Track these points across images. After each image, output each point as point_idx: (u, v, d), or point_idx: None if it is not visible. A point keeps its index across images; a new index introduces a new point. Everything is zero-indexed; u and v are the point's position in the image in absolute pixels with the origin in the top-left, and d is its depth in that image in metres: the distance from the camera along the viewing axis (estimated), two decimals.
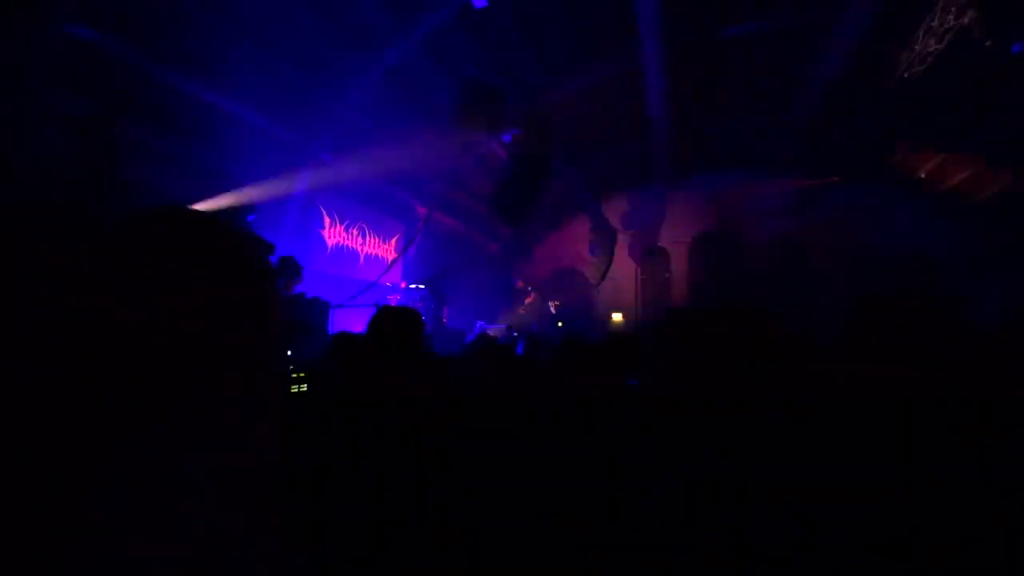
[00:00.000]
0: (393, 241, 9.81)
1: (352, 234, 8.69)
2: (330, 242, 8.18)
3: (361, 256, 8.92)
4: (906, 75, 6.89)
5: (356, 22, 6.26)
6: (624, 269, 12.05)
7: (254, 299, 0.50)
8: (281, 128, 6.68)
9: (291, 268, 5.24)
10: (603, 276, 11.50)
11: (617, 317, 11.18)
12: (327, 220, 8.12)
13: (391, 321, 1.47)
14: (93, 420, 0.40)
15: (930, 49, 6.46)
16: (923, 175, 8.98)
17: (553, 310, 10.67)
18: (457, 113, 6.74)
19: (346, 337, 1.46)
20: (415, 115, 7.88)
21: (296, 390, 3.45)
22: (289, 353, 4.55)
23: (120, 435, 0.41)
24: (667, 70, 7.20)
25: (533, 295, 10.76)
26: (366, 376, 1.25)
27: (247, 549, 0.44)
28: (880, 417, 0.96)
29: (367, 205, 8.98)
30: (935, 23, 6.20)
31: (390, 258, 9.44)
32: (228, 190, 5.81)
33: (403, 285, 9.56)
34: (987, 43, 6.03)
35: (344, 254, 8.51)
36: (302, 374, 3.72)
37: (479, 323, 9.40)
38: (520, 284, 11.27)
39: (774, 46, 7.34)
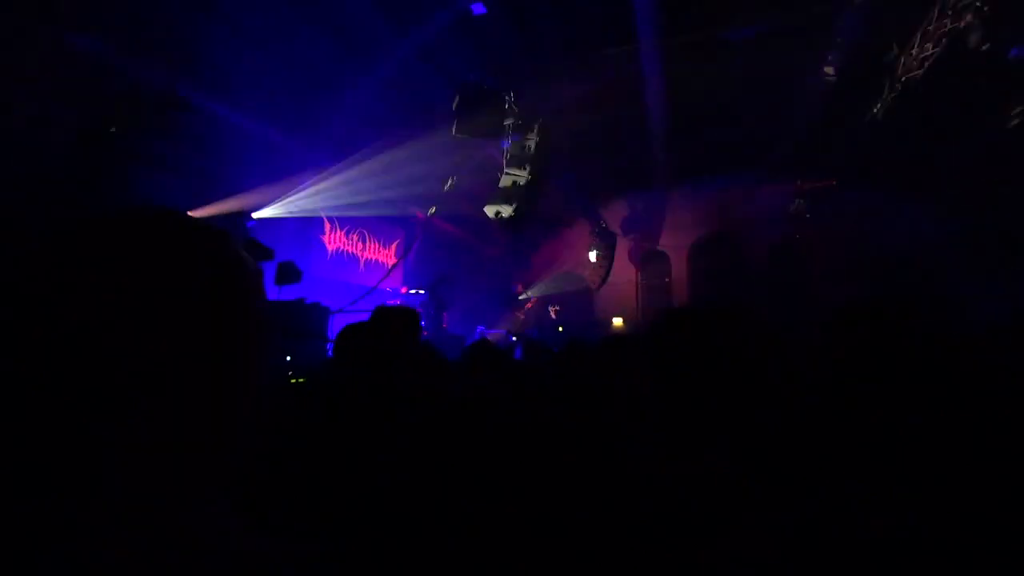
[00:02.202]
0: (393, 246, 9.82)
1: (352, 239, 8.71)
2: (330, 247, 8.19)
3: (361, 261, 8.93)
4: (903, 78, 6.91)
5: (355, 30, 6.29)
6: (624, 273, 12.04)
7: (234, 298, 0.49)
8: (281, 134, 6.71)
9: (291, 273, 5.25)
10: (603, 280, 11.49)
11: (618, 322, 11.17)
12: (327, 225, 8.14)
13: (388, 320, 1.48)
14: (76, 420, 0.40)
15: (927, 52, 6.49)
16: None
17: (553, 315, 10.67)
18: (456, 119, 6.76)
19: (352, 331, 1.46)
20: (414, 121, 7.91)
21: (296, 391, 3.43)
22: (289, 358, 4.55)
23: (103, 435, 0.41)
24: (665, 74, 7.23)
25: (533, 300, 10.73)
26: (363, 373, 1.25)
27: (232, 547, 0.43)
28: (872, 418, 0.96)
29: (367, 211, 9.00)
30: (932, 26, 6.22)
31: (390, 263, 9.45)
32: (228, 196, 5.83)
33: (403, 290, 9.57)
34: (984, 46, 6.06)
35: (344, 259, 8.52)
36: (302, 379, 3.71)
37: (479, 328, 9.40)
38: (520, 289, 11.26)
39: (772, 50, 7.37)
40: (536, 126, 7.45)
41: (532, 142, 7.40)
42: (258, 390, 0.51)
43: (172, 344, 0.44)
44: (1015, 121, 6.44)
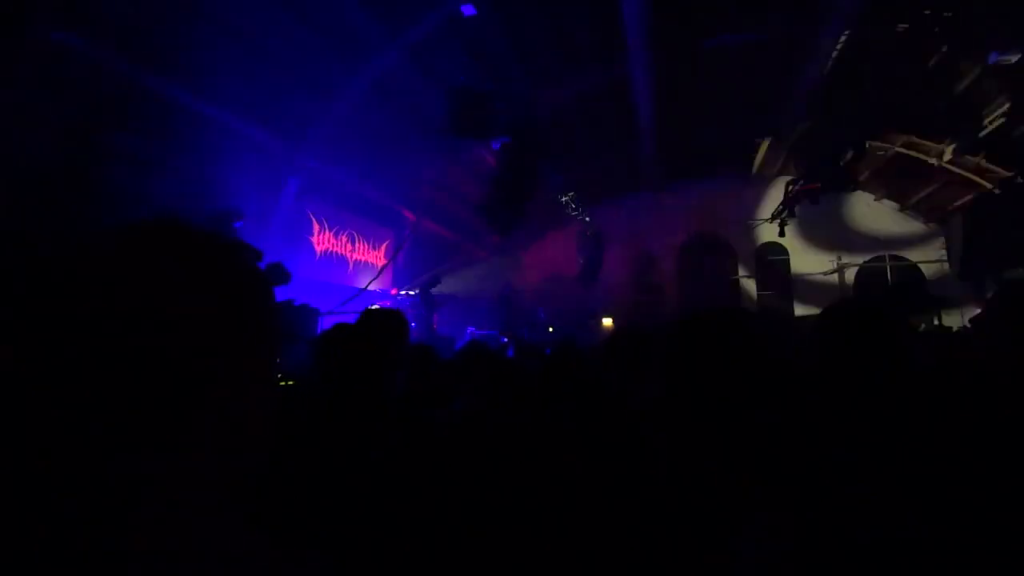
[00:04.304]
0: (383, 248, 9.76)
1: (341, 240, 8.64)
2: (319, 248, 8.12)
3: (350, 262, 8.87)
4: (885, 84, 7.04)
5: (345, 30, 6.25)
6: (613, 273, 12.11)
7: (248, 307, 0.50)
8: (270, 135, 6.64)
9: (279, 274, 5.19)
10: (592, 281, 11.54)
11: (607, 322, 11.22)
12: (316, 226, 8.07)
13: (375, 325, 1.46)
14: (85, 425, 0.40)
15: (906, 60, 6.63)
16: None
17: (542, 315, 10.68)
18: (446, 121, 6.75)
19: (336, 332, 1.44)
20: (404, 123, 7.88)
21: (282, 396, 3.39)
22: (278, 361, 4.49)
23: (112, 440, 0.41)
24: (654, 79, 7.28)
25: None
26: (351, 377, 1.24)
27: (239, 552, 0.43)
28: (863, 422, 0.97)
29: (356, 212, 8.94)
30: (912, 35, 6.34)
31: (379, 264, 9.40)
32: (216, 196, 5.75)
33: (393, 291, 9.52)
34: (961, 54, 6.20)
35: (333, 260, 8.45)
36: (290, 382, 3.67)
37: (469, 329, 9.38)
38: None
39: (758, 57, 7.47)
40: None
41: None
42: (273, 393, 0.52)
43: (197, 348, 0.44)
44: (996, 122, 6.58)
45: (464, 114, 6.72)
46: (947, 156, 8.07)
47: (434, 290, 8.64)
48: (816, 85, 7.28)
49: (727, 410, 0.92)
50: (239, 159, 6.11)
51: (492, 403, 1.30)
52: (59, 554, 0.36)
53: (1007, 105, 6.65)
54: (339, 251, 8.60)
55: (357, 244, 9.06)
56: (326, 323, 5.99)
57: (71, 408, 0.39)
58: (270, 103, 6.29)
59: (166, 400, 0.42)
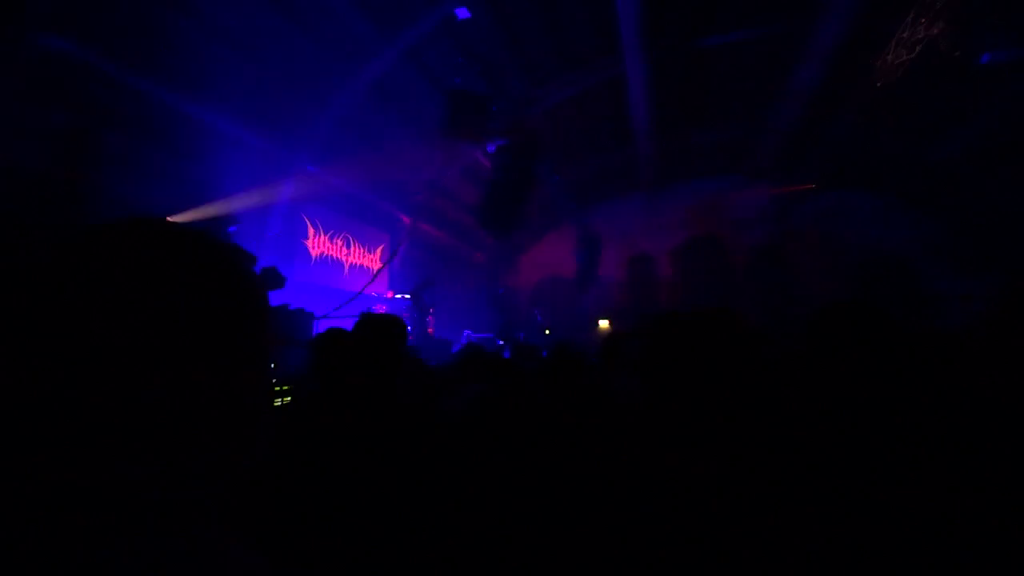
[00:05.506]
0: (378, 251, 9.75)
1: (336, 244, 8.62)
2: (314, 252, 8.10)
3: (346, 266, 8.85)
4: (879, 84, 7.09)
5: (339, 34, 6.25)
6: (610, 275, 12.14)
7: (239, 309, 0.50)
8: (264, 139, 6.62)
9: (273, 279, 5.17)
10: (588, 283, 11.55)
11: (604, 324, 11.23)
12: (311, 230, 8.05)
13: (373, 330, 1.45)
14: (84, 427, 0.40)
15: (902, 59, 6.67)
16: None
17: (539, 317, 10.70)
18: (442, 124, 6.75)
19: (330, 338, 1.43)
20: (400, 126, 7.88)
21: (280, 403, 3.38)
22: (273, 366, 4.48)
23: (108, 443, 0.41)
24: (649, 79, 7.31)
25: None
26: (348, 385, 1.23)
27: (235, 554, 0.43)
28: (852, 421, 0.96)
29: (352, 215, 8.94)
30: (906, 34, 6.39)
31: (375, 268, 9.38)
32: (210, 201, 5.73)
33: (389, 295, 9.50)
34: (955, 53, 6.25)
35: (328, 264, 8.43)
36: (286, 387, 3.65)
37: (466, 332, 9.38)
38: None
39: (752, 56, 7.51)
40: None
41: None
42: (268, 397, 0.51)
43: (192, 352, 0.44)
44: None
45: (460, 116, 6.72)
46: None
47: (427, 292, 8.63)
48: (811, 85, 7.33)
49: (725, 409, 0.91)
50: (234, 164, 6.10)
51: (493, 404, 1.30)
52: (58, 557, 0.36)
53: None
54: (334, 255, 8.59)
55: (352, 248, 9.05)
56: (321, 327, 5.97)
57: (71, 409, 0.39)
58: (265, 106, 6.28)
59: (162, 403, 0.42)
